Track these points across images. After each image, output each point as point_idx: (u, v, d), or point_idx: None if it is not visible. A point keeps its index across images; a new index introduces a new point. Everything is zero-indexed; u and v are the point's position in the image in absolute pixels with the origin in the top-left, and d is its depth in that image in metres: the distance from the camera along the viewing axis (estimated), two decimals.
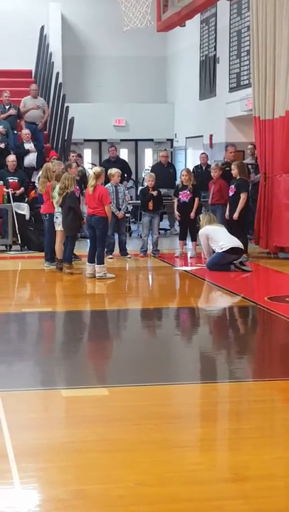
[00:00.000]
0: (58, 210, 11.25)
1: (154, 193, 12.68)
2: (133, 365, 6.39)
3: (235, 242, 11.19)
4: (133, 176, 18.51)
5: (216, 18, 17.13)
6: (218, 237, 11.26)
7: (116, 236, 12.69)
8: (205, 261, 11.57)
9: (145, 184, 13.29)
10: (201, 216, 11.78)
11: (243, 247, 11.32)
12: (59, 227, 11.28)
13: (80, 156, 15.85)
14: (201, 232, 11.55)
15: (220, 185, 12.95)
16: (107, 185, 11.82)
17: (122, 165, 16.65)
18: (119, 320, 8.77)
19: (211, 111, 17.31)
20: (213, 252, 11.34)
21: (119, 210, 12.41)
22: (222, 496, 3.78)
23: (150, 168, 16.86)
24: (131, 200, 16.58)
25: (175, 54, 20.10)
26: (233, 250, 11.10)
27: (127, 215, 16.01)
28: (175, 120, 20.21)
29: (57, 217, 11.31)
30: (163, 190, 13.51)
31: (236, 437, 4.70)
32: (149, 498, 3.74)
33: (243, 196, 11.86)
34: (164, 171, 15.97)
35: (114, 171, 12.61)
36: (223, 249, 11.07)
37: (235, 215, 11.85)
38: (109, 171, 12.30)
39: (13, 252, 13.58)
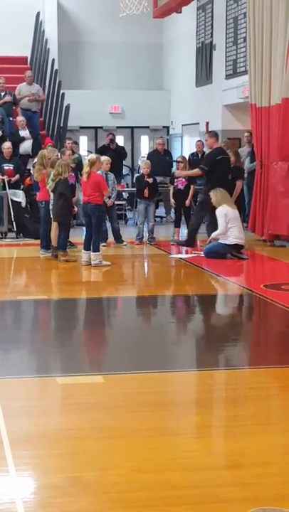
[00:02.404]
0: (52, 197, 11.21)
1: (150, 180, 12.64)
2: (129, 352, 6.38)
3: (242, 240, 11.10)
4: (129, 163, 18.47)
5: (212, 4, 17.05)
6: (231, 226, 10.97)
7: (108, 224, 12.67)
8: (202, 248, 11.55)
9: (141, 171, 13.26)
10: (212, 193, 11.24)
11: (244, 245, 11.25)
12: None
13: (76, 143, 15.80)
14: (221, 210, 11.02)
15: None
16: (97, 172, 11.78)
17: (119, 150, 16.65)
18: (114, 307, 8.76)
19: (207, 98, 17.25)
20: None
21: (109, 197, 12.37)
22: (218, 482, 3.79)
23: (146, 156, 16.81)
24: (126, 187, 16.58)
25: (171, 41, 20.02)
26: (235, 246, 11.06)
27: (122, 202, 16.04)
28: (171, 107, 20.16)
29: (52, 204, 11.27)
30: (159, 178, 13.48)
31: (232, 424, 4.70)
32: (145, 485, 3.74)
33: (238, 184, 11.86)
34: (161, 158, 15.94)
35: (104, 158, 12.58)
36: (227, 242, 11.00)
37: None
38: (102, 158, 12.26)
39: (8, 239, 13.54)
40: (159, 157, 15.89)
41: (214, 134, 12.17)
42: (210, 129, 16.88)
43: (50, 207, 11.33)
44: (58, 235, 11.07)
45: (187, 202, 12.52)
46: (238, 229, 11.09)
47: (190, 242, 11.91)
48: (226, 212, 11.06)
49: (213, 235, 11.19)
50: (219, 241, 11.12)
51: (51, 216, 11.34)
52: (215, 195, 11.21)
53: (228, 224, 11.02)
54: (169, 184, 13.14)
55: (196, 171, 12.00)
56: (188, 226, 12.17)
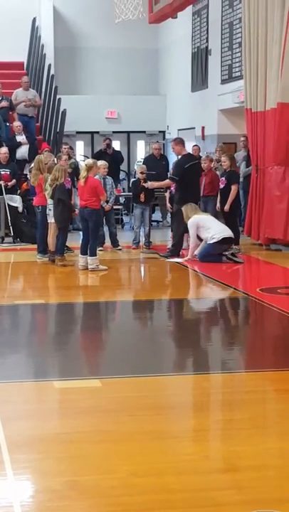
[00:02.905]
0: (50, 202, 11.25)
1: (146, 185, 12.66)
2: (126, 356, 6.40)
3: (227, 231, 11.21)
4: (125, 168, 18.51)
5: (207, 9, 17.10)
6: (208, 225, 11.21)
7: (106, 228, 12.70)
8: (187, 253, 11.60)
9: (137, 176, 13.29)
10: (183, 209, 11.39)
11: (233, 236, 11.34)
12: (52, 220, 11.28)
13: (71, 148, 15.84)
14: (190, 222, 11.27)
15: (211, 177, 12.97)
16: (95, 177, 11.81)
17: (115, 155, 16.70)
18: (111, 312, 8.78)
19: (203, 103, 17.30)
20: (201, 241, 11.32)
21: (107, 202, 12.41)
22: (215, 486, 3.81)
23: (142, 160, 16.84)
24: (123, 192, 16.61)
25: (167, 46, 20.07)
26: (224, 240, 11.12)
27: (119, 207, 16.06)
28: (167, 112, 20.20)
29: (50, 209, 11.31)
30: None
31: (229, 428, 4.72)
32: (142, 489, 3.76)
33: (233, 188, 11.90)
34: (157, 163, 15.96)
35: (101, 163, 12.61)
36: (215, 240, 11.09)
37: (226, 207, 11.90)
38: (98, 163, 12.29)
39: (5, 244, 13.57)
40: (155, 162, 15.92)
41: (180, 141, 12.20)
42: (205, 134, 16.97)
43: (48, 211, 11.37)
44: (56, 240, 11.10)
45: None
46: (216, 225, 11.23)
47: (176, 252, 11.84)
48: (196, 222, 11.20)
49: (195, 252, 11.29)
50: (208, 242, 11.18)
51: (48, 221, 11.37)
52: (185, 210, 11.33)
53: (205, 227, 11.16)
54: (165, 189, 13.16)
55: (166, 182, 11.99)
56: (173, 237, 12.12)
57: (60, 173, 10.93)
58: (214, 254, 11.14)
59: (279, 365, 6.10)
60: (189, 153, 12.27)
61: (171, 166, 13.86)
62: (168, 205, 12.91)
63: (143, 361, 6.21)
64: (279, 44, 11.93)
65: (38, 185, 11.61)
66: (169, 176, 11.95)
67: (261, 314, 8.25)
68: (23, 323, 8.17)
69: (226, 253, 11.25)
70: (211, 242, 11.13)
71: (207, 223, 11.25)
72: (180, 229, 11.84)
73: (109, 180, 12.81)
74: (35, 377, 5.91)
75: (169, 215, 14.40)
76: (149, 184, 12.31)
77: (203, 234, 11.25)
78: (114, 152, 16.85)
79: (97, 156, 15.66)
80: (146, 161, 16.03)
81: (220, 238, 11.07)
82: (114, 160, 16.17)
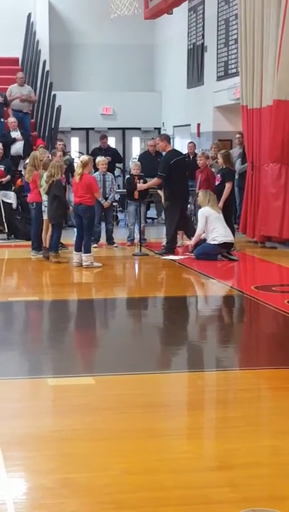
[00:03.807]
0: (45, 198, 11.22)
1: (140, 181, 12.61)
2: (119, 354, 6.39)
3: (229, 237, 11.18)
4: (120, 165, 18.48)
5: (203, 6, 17.08)
6: (214, 225, 11.12)
7: (102, 225, 12.68)
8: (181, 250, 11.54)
9: (131, 173, 13.24)
10: (201, 193, 11.44)
11: (233, 242, 11.31)
12: (46, 216, 11.25)
13: (64, 145, 15.79)
14: (202, 211, 11.21)
15: (207, 174, 12.94)
16: (94, 174, 11.80)
17: (112, 153, 16.70)
18: (105, 309, 8.76)
19: (198, 100, 17.28)
20: (204, 240, 11.30)
21: (106, 199, 12.38)
22: (209, 483, 3.80)
23: (137, 157, 16.82)
24: (118, 188, 16.58)
25: (163, 42, 20.04)
26: (224, 244, 11.10)
27: (114, 204, 16.03)
28: (163, 109, 20.17)
29: (45, 206, 11.28)
30: (150, 180, 13.45)
31: (223, 426, 4.72)
32: (135, 487, 3.75)
33: (227, 185, 11.89)
34: (152, 160, 15.92)
35: (100, 159, 12.58)
36: (215, 242, 11.05)
37: (220, 204, 11.88)
38: (97, 160, 12.27)
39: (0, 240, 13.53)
40: (150, 158, 15.88)
41: (165, 137, 12.22)
42: (201, 131, 16.96)
43: (43, 208, 11.34)
44: (51, 236, 11.08)
45: None
46: (222, 228, 11.18)
47: (170, 250, 11.83)
48: (207, 215, 11.16)
49: (194, 239, 11.30)
50: (208, 241, 11.16)
51: (43, 217, 11.34)
52: (204, 195, 11.32)
53: (211, 225, 11.11)
54: (159, 186, 13.11)
55: (155, 181, 11.94)
56: (166, 235, 12.11)
57: (57, 169, 10.91)
58: (211, 253, 11.12)
59: (273, 363, 6.09)
60: (174, 149, 12.29)
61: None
62: (163, 202, 12.86)
63: (137, 359, 6.20)
64: (275, 41, 11.91)
65: (32, 182, 11.58)
66: (157, 174, 11.93)
67: (256, 312, 8.25)
68: (17, 320, 8.15)
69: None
70: (212, 242, 11.09)
71: (214, 222, 11.16)
72: (172, 227, 11.83)
73: (109, 176, 12.78)
74: (29, 374, 5.89)
75: (163, 212, 14.37)
76: (139, 186, 12.25)
77: (206, 232, 11.20)
78: (108, 148, 16.84)
79: (93, 153, 15.63)
80: (142, 157, 16.00)
81: (221, 242, 11.04)
82: (110, 157, 16.19)
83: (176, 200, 11.83)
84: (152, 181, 12.03)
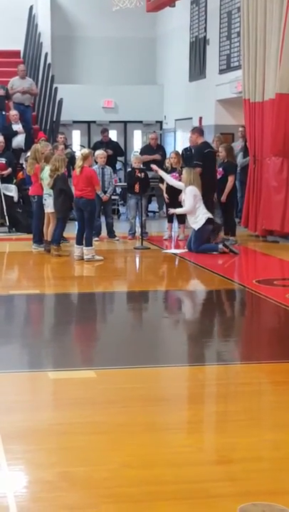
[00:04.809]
0: (46, 191, 11.21)
1: (141, 175, 12.59)
2: (120, 347, 6.39)
3: (208, 213, 11.31)
4: (122, 158, 18.46)
5: None
6: (199, 205, 11.23)
7: (103, 219, 12.67)
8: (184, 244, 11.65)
9: (132, 166, 13.21)
10: (185, 171, 11.54)
11: (212, 217, 11.42)
12: (48, 209, 11.24)
13: (65, 138, 15.78)
14: (191, 190, 11.23)
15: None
16: (93, 167, 11.77)
17: (114, 147, 16.69)
18: (107, 302, 8.76)
19: (200, 93, 17.23)
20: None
21: (105, 192, 12.36)
22: (209, 478, 3.80)
23: (139, 151, 16.79)
24: (119, 182, 16.56)
25: (165, 35, 19.97)
26: (209, 220, 11.20)
27: (115, 197, 16.01)
28: (164, 102, 20.12)
29: (45, 199, 11.27)
30: (151, 173, 13.44)
31: (223, 420, 4.71)
32: (134, 480, 3.75)
33: (230, 179, 11.88)
34: (153, 153, 15.92)
35: (99, 152, 12.55)
36: (199, 224, 11.10)
37: (223, 198, 11.87)
38: (96, 153, 12.26)
39: (1, 233, 13.51)
40: (151, 152, 15.88)
41: (197, 130, 12.31)
42: (203, 124, 16.91)
43: (43, 201, 11.32)
44: (54, 229, 11.07)
45: (180, 197, 12.51)
46: (203, 206, 11.30)
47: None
48: (195, 193, 11.24)
49: (179, 210, 11.40)
50: (194, 229, 11.20)
51: (45, 210, 11.33)
52: (188, 173, 11.38)
53: (197, 204, 11.23)
54: (160, 179, 13.10)
55: (197, 172, 11.91)
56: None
57: (60, 163, 10.89)
58: (205, 238, 11.19)
59: (274, 357, 6.09)
60: (206, 141, 12.34)
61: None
62: (165, 195, 12.85)
63: (138, 352, 6.19)
64: (278, 34, 11.87)
65: (34, 175, 11.56)
66: (194, 163, 11.99)
67: (257, 306, 8.24)
68: (18, 313, 8.14)
69: (224, 241, 11.37)
70: (198, 226, 11.12)
71: (199, 202, 11.30)
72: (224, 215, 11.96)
73: (108, 170, 12.75)
74: (30, 367, 5.90)
75: (165, 205, 14.36)
76: (154, 167, 12.25)
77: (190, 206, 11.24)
78: (111, 143, 16.85)
79: (94, 147, 15.61)
80: (143, 151, 15.99)
81: (206, 219, 11.13)
82: (111, 150, 16.20)
83: (210, 190, 11.90)
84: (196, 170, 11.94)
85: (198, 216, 11.18)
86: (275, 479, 3.81)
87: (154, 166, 12.37)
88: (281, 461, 4.04)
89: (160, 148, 16.79)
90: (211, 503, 3.54)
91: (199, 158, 11.99)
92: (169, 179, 12.16)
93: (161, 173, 12.22)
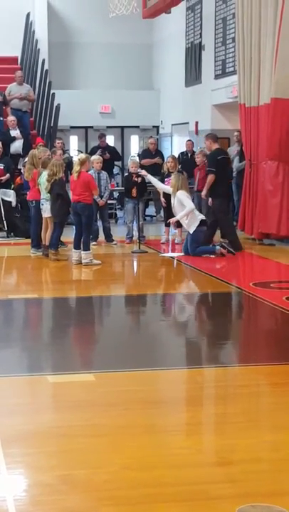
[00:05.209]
0: (43, 196, 11.24)
1: (138, 179, 12.60)
2: (119, 350, 6.41)
3: (201, 215, 11.39)
4: (119, 163, 18.50)
5: (201, 5, 17.07)
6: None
7: (100, 223, 12.69)
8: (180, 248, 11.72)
9: (129, 171, 13.24)
10: (173, 177, 11.60)
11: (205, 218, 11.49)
12: (45, 214, 11.28)
13: (63, 143, 15.82)
14: (183, 193, 11.24)
15: (205, 171, 12.95)
16: (89, 172, 11.80)
17: (111, 152, 16.73)
18: (105, 306, 8.78)
19: (196, 98, 17.28)
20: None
21: (101, 197, 12.39)
22: (208, 479, 3.81)
23: (136, 155, 16.83)
24: (117, 186, 16.59)
25: (161, 41, 20.04)
26: (202, 222, 11.26)
27: (113, 201, 16.04)
28: (161, 107, 20.17)
29: (42, 204, 11.30)
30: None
31: (222, 421, 4.73)
32: (135, 483, 3.76)
33: (210, 176, 11.93)
34: (152, 157, 15.96)
35: (95, 157, 12.58)
36: (193, 227, 11.15)
37: (203, 193, 11.99)
38: (91, 158, 12.29)
39: None
40: (150, 157, 15.92)
41: (211, 137, 12.26)
42: (199, 129, 16.97)
43: (41, 206, 11.35)
44: (51, 234, 11.10)
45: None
46: (196, 209, 11.45)
47: (236, 247, 11.81)
48: (187, 195, 11.32)
49: (180, 215, 11.28)
50: (189, 233, 11.24)
51: (43, 215, 11.36)
52: (176, 179, 11.42)
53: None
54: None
55: (210, 178, 11.87)
56: (226, 236, 12.03)
57: (58, 168, 10.93)
58: (200, 241, 11.24)
59: (272, 359, 6.11)
60: (220, 147, 12.31)
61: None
62: (162, 199, 12.88)
63: (136, 355, 6.21)
64: (272, 39, 11.92)
65: (31, 180, 11.60)
66: (207, 170, 12.00)
67: (254, 308, 8.26)
68: (16, 317, 8.16)
69: (223, 242, 11.48)
70: (192, 229, 11.17)
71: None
72: (229, 225, 11.94)
73: (104, 174, 12.78)
74: (30, 371, 5.91)
75: (162, 209, 14.39)
76: (203, 194, 12.10)
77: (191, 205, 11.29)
78: (109, 148, 16.89)
79: (92, 152, 15.65)
80: (142, 155, 16.04)
81: (200, 220, 11.18)
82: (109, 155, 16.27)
83: (224, 198, 11.96)
84: (208, 180, 11.91)
85: (193, 218, 11.21)
86: (274, 481, 3.83)
87: (142, 172, 12.31)
88: (280, 462, 4.06)
89: (158, 153, 16.83)
90: (210, 505, 3.56)
91: (212, 164, 11.90)
92: (158, 184, 12.19)
93: (150, 178, 12.24)
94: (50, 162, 11.20)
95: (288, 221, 12.21)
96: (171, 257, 11.39)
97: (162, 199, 12.83)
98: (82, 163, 10.69)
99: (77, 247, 10.72)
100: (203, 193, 11.92)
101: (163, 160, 16.24)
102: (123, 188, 14.17)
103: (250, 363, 6.03)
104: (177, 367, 5.96)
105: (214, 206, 11.92)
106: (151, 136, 17.89)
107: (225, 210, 12.03)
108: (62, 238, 11.77)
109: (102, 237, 12.67)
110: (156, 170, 15.48)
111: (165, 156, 16.57)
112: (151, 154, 16.17)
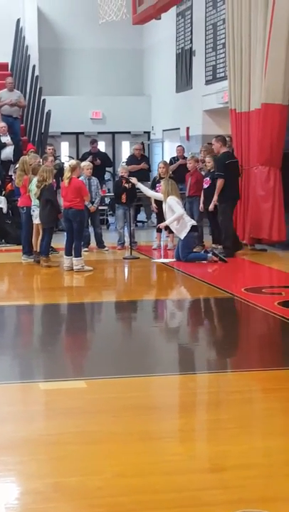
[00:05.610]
0: (34, 203, 11.23)
1: (128, 185, 12.60)
2: (110, 357, 6.39)
3: (192, 220, 11.36)
4: (110, 169, 18.50)
5: (191, 10, 17.12)
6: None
7: (91, 229, 12.68)
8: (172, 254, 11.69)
9: (119, 176, 13.24)
10: (163, 183, 11.56)
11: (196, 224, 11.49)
12: (36, 220, 11.26)
13: (54, 149, 15.82)
14: (174, 198, 11.22)
15: (196, 177, 12.97)
16: (80, 178, 11.79)
17: (102, 158, 16.75)
18: (96, 313, 8.76)
19: (187, 103, 17.31)
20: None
21: (92, 203, 12.38)
22: (201, 486, 3.80)
23: (125, 162, 16.85)
24: (108, 192, 16.60)
25: (151, 47, 20.07)
26: (194, 228, 11.26)
27: (104, 207, 16.04)
28: (152, 113, 20.20)
29: (33, 211, 11.29)
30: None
31: (214, 428, 4.72)
32: (127, 489, 3.75)
33: (219, 181, 11.87)
34: (138, 164, 15.99)
35: (85, 164, 12.58)
36: (184, 232, 11.14)
37: (211, 206, 11.92)
38: (82, 164, 12.30)
39: None
40: (136, 162, 15.94)
41: (221, 139, 12.22)
42: (190, 134, 17.00)
43: (32, 213, 11.34)
44: (41, 241, 11.08)
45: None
46: (186, 214, 11.43)
47: (237, 247, 11.83)
48: (178, 201, 11.30)
49: (169, 221, 11.26)
50: (180, 238, 11.22)
51: (33, 221, 11.34)
52: (165, 184, 11.40)
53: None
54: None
55: (220, 183, 11.81)
56: (225, 240, 12.00)
57: (48, 173, 10.93)
58: (191, 247, 11.29)
59: (264, 365, 6.11)
60: (229, 151, 12.27)
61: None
62: (153, 205, 12.89)
63: (128, 362, 6.19)
64: (263, 45, 11.96)
65: (22, 186, 11.59)
66: (215, 174, 11.94)
67: (246, 314, 8.26)
68: (7, 324, 8.13)
69: (214, 249, 11.47)
70: (183, 235, 11.16)
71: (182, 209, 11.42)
72: (229, 229, 11.87)
73: (94, 181, 12.79)
74: (21, 378, 5.88)
75: (153, 215, 14.41)
76: (214, 201, 11.99)
77: (172, 224, 11.26)
78: (100, 153, 16.91)
79: (83, 158, 15.66)
80: (128, 161, 16.06)
81: (191, 226, 11.17)
82: (100, 161, 16.27)
83: (230, 202, 11.92)
84: (218, 185, 11.84)
85: (183, 224, 11.21)
86: (267, 486, 3.82)
87: (133, 179, 12.27)
88: (273, 468, 4.05)
89: (144, 159, 16.84)
90: (203, 511, 3.55)
91: (220, 169, 11.81)
92: (147, 191, 12.18)
93: (140, 185, 12.21)
94: (39, 168, 11.19)
95: (280, 226, 12.23)
96: (163, 263, 11.38)
97: (154, 205, 12.85)
98: (73, 169, 10.69)
99: (68, 253, 10.71)
100: (214, 198, 11.86)
101: (149, 166, 16.29)
102: (113, 194, 14.18)
103: (243, 368, 6.02)
104: (169, 373, 5.95)
105: (220, 209, 11.90)
106: (136, 142, 17.92)
107: (229, 214, 11.97)
108: (54, 244, 11.76)
109: (93, 243, 12.66)
110: (142, 176, 15.53)
111: (155, 161, 16.61)
112: (137, 160, 16.19)
